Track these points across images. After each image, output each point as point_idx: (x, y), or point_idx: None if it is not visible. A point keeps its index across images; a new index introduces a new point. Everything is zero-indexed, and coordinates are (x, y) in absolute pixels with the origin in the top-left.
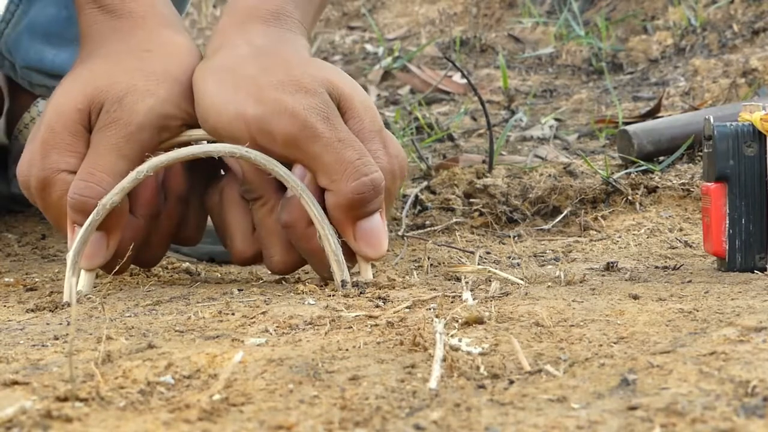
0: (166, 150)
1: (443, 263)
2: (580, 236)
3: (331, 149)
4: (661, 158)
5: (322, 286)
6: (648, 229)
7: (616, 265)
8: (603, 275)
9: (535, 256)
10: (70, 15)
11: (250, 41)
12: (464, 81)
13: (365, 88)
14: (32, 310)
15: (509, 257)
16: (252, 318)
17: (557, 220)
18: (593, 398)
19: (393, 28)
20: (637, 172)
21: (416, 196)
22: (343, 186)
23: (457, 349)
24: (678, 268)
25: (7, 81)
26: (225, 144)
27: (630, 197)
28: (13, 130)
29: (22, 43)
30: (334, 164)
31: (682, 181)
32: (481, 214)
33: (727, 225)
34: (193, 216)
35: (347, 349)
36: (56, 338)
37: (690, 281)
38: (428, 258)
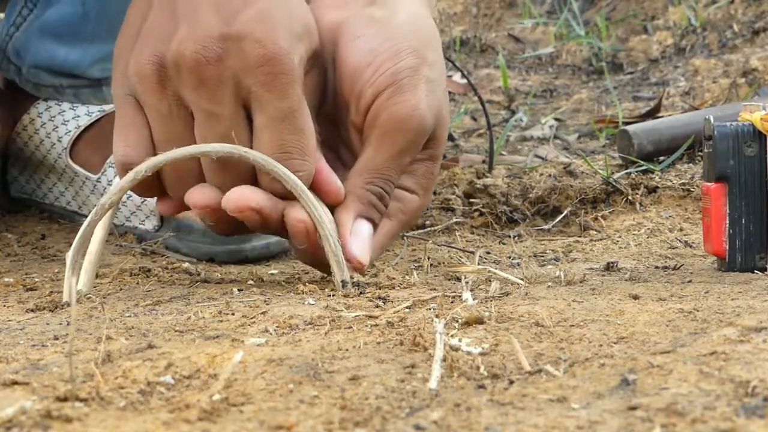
0: None
1: (443, 263)
2: (580, 236)
3: (397, 153)
4: (661, 158)
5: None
6: (648, 229)
7: (616, 265)
8: (603, 275)
9: (535, 256)
10: (86, 12)
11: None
12: (464, 81)
13: None
14: (32, 310)
15: (509, 257)
16: (252, 318)
17: (557, 220)
18: (593, 398)
19: None
20: (637, 172)
21: None
22: (365, 181)
23: (457, 349)
24: (678, 268)
25: (4, 86)
26: (224, 144)
27: (630, 197)
28: (11, 133)
29: (32, 43)
30: (384, 162)
31: (682, 181)
32: (481, 214)
33: (727, 225)
34: None
35: (347, 349)
36: (56, 338)
37: (690, 281)
38: (428, 258)
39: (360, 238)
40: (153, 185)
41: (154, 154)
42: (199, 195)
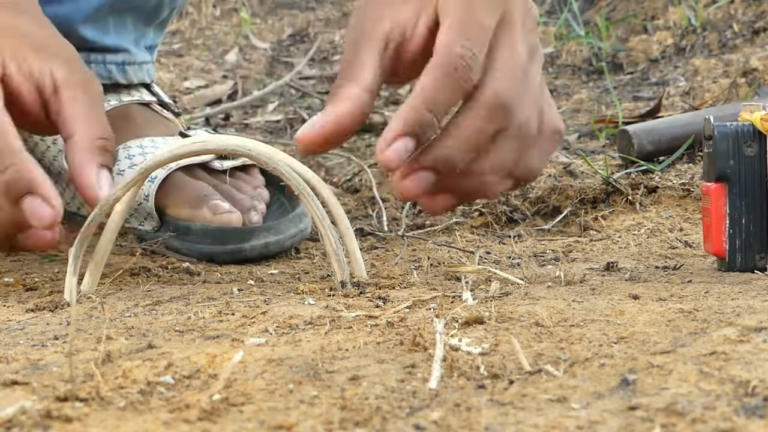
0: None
1: (443, 263)
2: (580, 236)
3: (438, 78)
4: (661, 158)
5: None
6: (648, 229)
7: (616, 265)
8: (603, 275)
9: (535, 256)
10: None
11: None
12: None
13: None
14: (32, 310)
15: (509, 257)
16: (252, 318)
17: (557, 220)
18: (593, 398)
19: None
20: (637, 172)
21: None
22: (408, 104)
23: (457, 349)
24: (678, 268)
25: None
26: (228, 143)
27: (630, 197)
28: None
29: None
30: (427, 85)
31: (682, 181)
32: (481, 214)
33: (727, 225)
34: None
35: (347, 349)
36: (56, 338)
37: (690, 281)
38: (428, 258)
39: (398, 149)
40: None
41: None
42: None
